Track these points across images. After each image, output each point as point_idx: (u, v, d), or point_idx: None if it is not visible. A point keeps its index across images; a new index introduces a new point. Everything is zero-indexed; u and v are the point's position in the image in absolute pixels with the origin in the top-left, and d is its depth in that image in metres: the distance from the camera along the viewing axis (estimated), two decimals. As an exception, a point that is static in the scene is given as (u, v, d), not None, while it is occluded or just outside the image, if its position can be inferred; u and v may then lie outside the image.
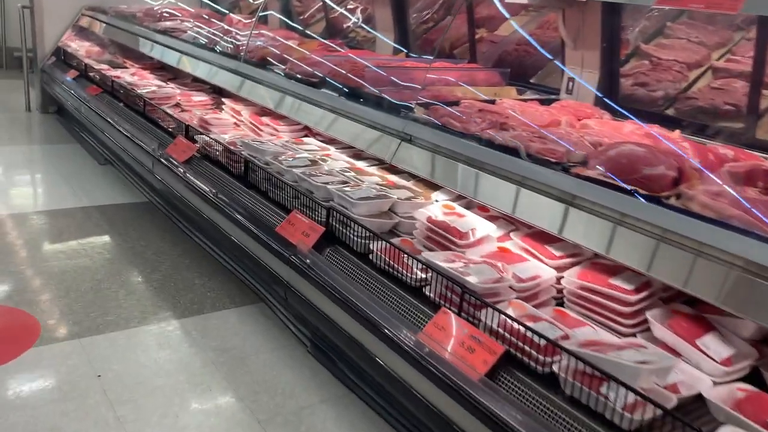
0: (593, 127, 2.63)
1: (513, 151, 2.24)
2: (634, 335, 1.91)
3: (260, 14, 4.96)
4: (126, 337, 2.76)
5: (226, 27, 4.68)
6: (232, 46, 4.13)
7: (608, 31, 2.98)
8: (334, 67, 3.25)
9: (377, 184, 2.72)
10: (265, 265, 2.67)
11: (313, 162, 3.02)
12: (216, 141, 3.52)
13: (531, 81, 3.67)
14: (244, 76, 3.81)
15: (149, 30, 5.39)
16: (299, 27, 5.61)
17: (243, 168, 3.23)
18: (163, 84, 5.55)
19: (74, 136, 6.05)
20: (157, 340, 2.75)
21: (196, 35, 4.74)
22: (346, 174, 2.83)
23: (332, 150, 3.34)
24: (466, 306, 1.97)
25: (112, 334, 2.77)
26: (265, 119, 3.99)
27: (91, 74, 5.98)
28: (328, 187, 2.63)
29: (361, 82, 3.05)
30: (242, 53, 3.93)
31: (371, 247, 2.37)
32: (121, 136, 4.36)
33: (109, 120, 4.61)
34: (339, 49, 4.24)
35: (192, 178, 3.39)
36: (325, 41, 4.34)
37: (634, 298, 1.96)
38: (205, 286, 3.28)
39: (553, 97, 3.32)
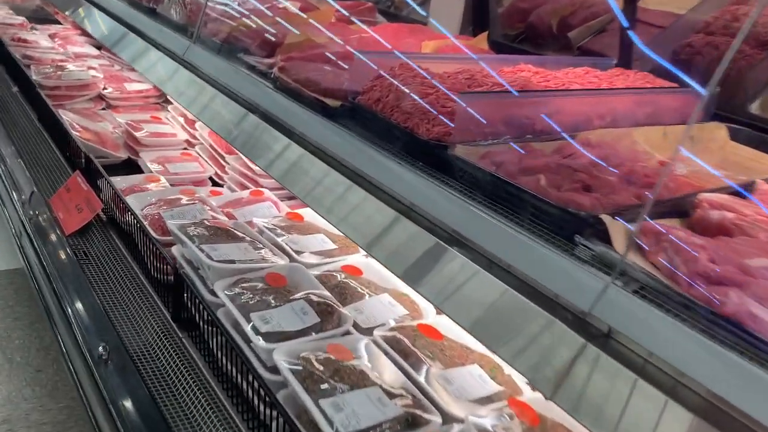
0: None
1: None
2: None
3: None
4: None
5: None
6: (179, 11, 2.41)
7: None
8: (379, 76, 1.57)
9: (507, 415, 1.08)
10: None
11: (326, 308, 1.36)
12: (127, 208, 1.85)
13: (749, 110, 2.00)
14: (194, 72, 2.12)
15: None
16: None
17: (172, 289, 1.58)
18: (92, 54, 3.84)
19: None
20: None
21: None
22: (413, 377, 1.19)
23: (361, 254, 1.69)
24: None
25: None
26: (236, 146, 2.31)
27: (-8, 32, 4.23)
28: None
29: (443, 121, 1.37)
30: (195, 27, 2.23)
31: None
32: (-13, 155, 2.67)
33: (-23, 122, 2.92)
34: (362, 28, 2.52)
35: (69, 293, 1.74)
36: (342, 10, 2.61)
37: None
38: None
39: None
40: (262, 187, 2.16)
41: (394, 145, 1.44)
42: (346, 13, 2.64)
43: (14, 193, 2.30)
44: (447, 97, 1.39)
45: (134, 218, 1.83)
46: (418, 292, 1.16)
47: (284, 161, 1.67)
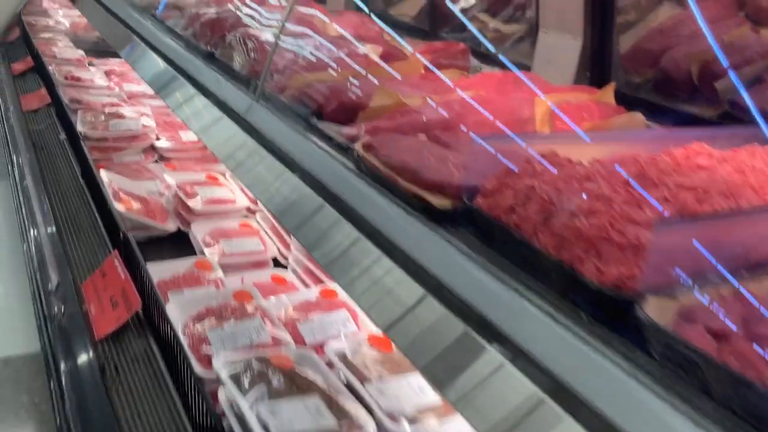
0: None
1: None
2: None
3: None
4: None
5: (245, 11, 2.57)
6: (241, 58, 2.04)
7: None
8: (510, 172, 1.13)
9: None
10: None
11: None
12: (166, 320, 1.46)
13: None
14: (257, 139, 1.73)
15: (128, 4, 3.35)
16: (378, 8, 3.52)
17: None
18: (148, 93, 3.55)
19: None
20: None
21: (196, 28, 2.63)
22: None
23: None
24: None
25: None
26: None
27: (49, 67, 4.01)
28: None
29: (624, 258, 0.91)
30: (259, 79, 1.85)
31: None
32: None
33: (14, 178, 2.63)
34: (457, 79, 2.10)
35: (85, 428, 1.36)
36: (411, 61, 2.16)
37: None
38: None
39: None
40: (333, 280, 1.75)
41: (539, 280, 1.00)
42: (428, 62, 2.20)
43: (37, 275, 1.96)
44: (627, 218, 0.94)
45: (173, 336, 1.44)
46: None
47: (367, 277, 1.25)
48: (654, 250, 0.90)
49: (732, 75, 2.18)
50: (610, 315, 0.91)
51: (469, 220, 1.16)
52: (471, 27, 3.07)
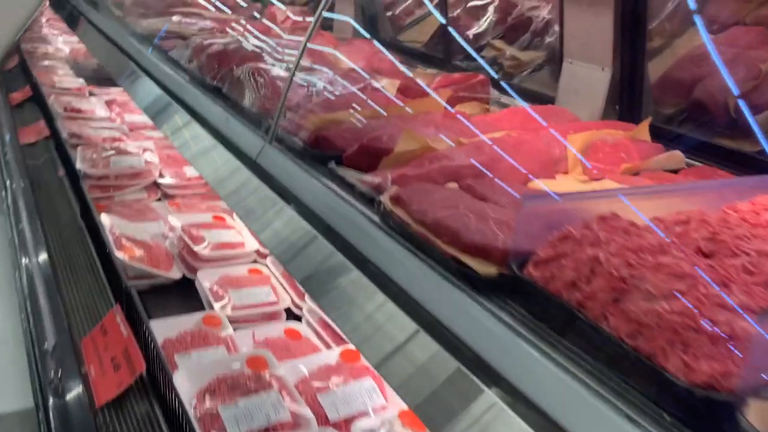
0: None
1: None
2: None
3: (323, 13, 2.82)
4: None
5: (253, 42, 2.46)
6: (251, 95, 1.92)
7: None
8: (567, 237, 1.00)
9: None
10: None
11: None
12: (175, 394, 1.33)
13: None
14: (269, 183, 1.61)
15: (128, 33, 3.24)
16: (387, 35, 3.43)
17: None
18: (149, 124, 3.43)
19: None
20: None
21: (202, 60, 2.51)
22: None
23: None
24: None
25: None
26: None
27: (47, 98, 3.90)
28: None
29: (716, 352, 0.78)
30: (272, 119, 1.73)
31: None
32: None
33: (9, 218, 2.51)
34: (480, 116, 2.00)
35: None
36: (433, 98, 2.03)
37: None
38: None
39: None
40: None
41: (609, 368, 0.86)
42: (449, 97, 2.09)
43: (32, 339, 1.83)
44: (715, 302, 0.81)
45: (182, 412, 1.31)
46: None
47: (401, 355, 1.12)
48: (754, 341, 0.77)
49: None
50: (700, 418, 0.78)
51: (516, 290, 1.03)
52: (481, 61, 2.95)
